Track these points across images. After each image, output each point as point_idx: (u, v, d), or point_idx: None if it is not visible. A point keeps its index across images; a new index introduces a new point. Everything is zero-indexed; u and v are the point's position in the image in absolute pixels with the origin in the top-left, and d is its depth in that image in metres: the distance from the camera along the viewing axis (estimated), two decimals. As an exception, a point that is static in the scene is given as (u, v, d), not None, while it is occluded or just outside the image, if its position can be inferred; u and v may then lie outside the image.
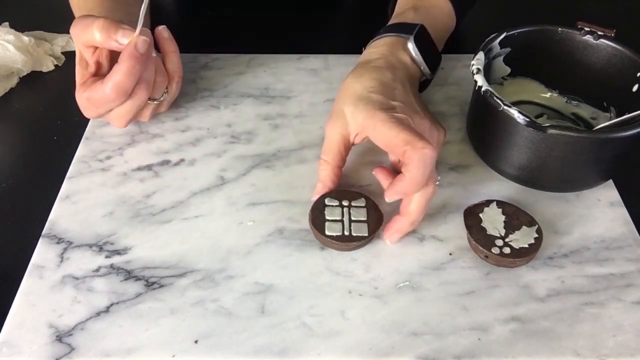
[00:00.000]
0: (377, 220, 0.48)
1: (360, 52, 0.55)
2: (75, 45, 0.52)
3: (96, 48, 0.51)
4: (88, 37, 0.49)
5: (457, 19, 0.60)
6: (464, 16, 0.62)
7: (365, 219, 0.48)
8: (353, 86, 0.48)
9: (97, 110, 0.51)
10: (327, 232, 0.47)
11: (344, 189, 0.50)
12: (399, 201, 0.47)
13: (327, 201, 0.49)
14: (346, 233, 0.47)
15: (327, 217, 0.48)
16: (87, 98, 0.50)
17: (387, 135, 0.44)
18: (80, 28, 0.50)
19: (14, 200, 0.52)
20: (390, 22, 0.57)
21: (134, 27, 0.49)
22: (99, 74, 0.52)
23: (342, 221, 0.47)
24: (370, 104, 0.46)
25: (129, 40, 0.48)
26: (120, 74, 0.48)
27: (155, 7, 0.61)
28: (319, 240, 0.48)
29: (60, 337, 0.42)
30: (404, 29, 0.54)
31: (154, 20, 0.59)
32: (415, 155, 0.43)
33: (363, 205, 0.49)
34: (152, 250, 0.47)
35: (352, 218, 0.47)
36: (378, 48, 0.53)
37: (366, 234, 0.47)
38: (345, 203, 0.49)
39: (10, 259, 0.48)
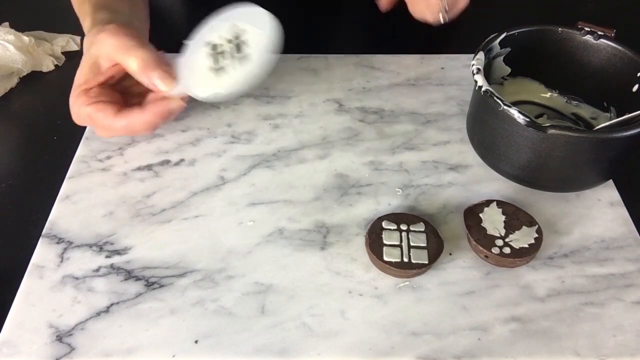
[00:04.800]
0: (437, 247, 0.46)
1: (360, 52, 0.55)
2: (96, 49, 0.47)
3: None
4: (121, 58, 0.45)
5: None
6: None
7: (425, 245, 0.46)
8: None
9: (95, 130, 0.48)
10: (386, 258, 0.45)
11: (402, 212, 0.49)
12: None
13: (384, 224, 0.47)
14: (405, 260, 0.45)
15: (385, 242, 0.46)
16: (101, 125, 0.46)
17: None
18: (117, 45, 0.45)
19: (14, 200, 0.52)
20: None
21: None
22: (105, 84, 0.48)
23: (400, 246, 0.46)
24: None
25: (163, 85, 0.44)
26: (142, 126, 0.45)
27: (155, 7, 0.61)
28: (375, 264, 0.46)
29: (60, 337, 0.42)
30: None
31: (155, 20, 0.59)
32: None
33: (422, 230, 0.47)
34: (152, 250, 0.47)
35: (411, 244, 0.46)
36: None
37: (426, 262, 0.45)
38: (403, 227, 0.47)
39: (10, 259, 0.48)
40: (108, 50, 0.46)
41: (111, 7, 0.52)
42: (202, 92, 0.47)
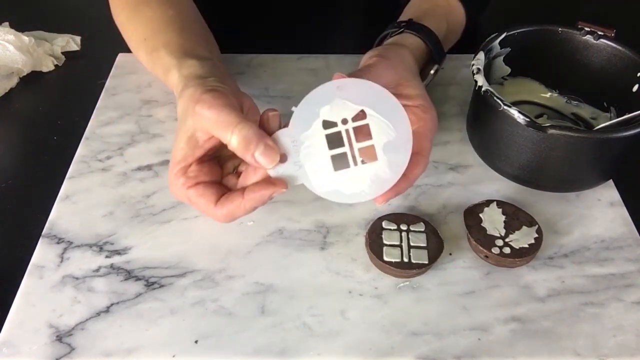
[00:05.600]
0: (437, 247, 0.46)
1: (360, 52, 0.55)
2: (193, 123, 0.43)
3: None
4: (221, 135, 0.42)
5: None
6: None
7: (425, 245, 0.46)
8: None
9: (193, 207, 0.46)
10: (386, 258, 0.45)
11: (402, 212, 0.49)
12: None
13: (384, 224, 0.47)
14: (405, 260, 0.45)
15: (385, 242, 0.46)
16: (202, 211, 0.44)
17: None
18: (216, 120, 0.42)
19: (14, 200, 0.52)
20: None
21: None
22: (203, 157, 0.44)
23: (400, 246, 0.46)
24: None
25: (266, 162, 0.41)
26: (242, 213, 0.43)
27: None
28: (375, 264, 0.46)
29: (60, 337, 0.42)
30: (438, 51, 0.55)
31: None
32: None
33: (422, 230, 0.47)
34: (152, 250, 0.47)
35: (411, 244, 0.46)
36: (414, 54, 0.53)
37: (426, 262, 0.45)
38: (403, 227, 0.47)
39: (10, 259, 0.48)
40: (206, 125, 0.43)
41: (193, 53, 0.50)
42: (318, 183, 0.41)
